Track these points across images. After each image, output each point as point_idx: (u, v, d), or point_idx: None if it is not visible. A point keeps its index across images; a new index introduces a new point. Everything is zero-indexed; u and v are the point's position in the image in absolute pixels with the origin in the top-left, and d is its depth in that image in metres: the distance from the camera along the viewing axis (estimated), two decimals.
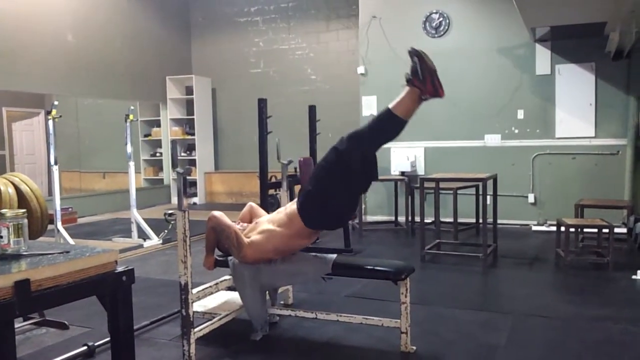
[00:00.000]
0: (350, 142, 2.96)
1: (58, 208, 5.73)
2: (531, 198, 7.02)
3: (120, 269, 1.82)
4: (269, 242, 3.15)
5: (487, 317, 3.62)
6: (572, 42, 6.73)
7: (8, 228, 1.78)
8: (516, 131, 7.07)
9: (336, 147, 2.98)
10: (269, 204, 5.56)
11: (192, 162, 10.02)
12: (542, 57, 6.91)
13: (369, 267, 3.15)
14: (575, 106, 6.79)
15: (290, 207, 3.19)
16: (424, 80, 2.88)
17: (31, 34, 7.78)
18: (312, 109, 6.11)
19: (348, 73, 9.11)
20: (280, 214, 3.25)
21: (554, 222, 5.43)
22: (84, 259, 1.73)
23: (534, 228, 6.80)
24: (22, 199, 3.37)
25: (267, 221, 3.27)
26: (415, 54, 2.90)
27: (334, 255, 3.22)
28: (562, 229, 4.95)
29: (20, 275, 1.56)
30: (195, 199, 9.86)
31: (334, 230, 3.15)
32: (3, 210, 1.82)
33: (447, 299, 4.05)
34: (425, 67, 2.88)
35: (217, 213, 3.21)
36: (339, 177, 3.00)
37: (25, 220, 1.83)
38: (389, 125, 2.97)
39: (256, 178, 5.83)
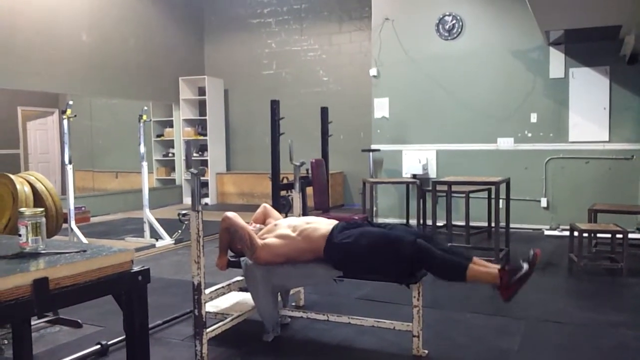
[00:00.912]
0: (418, 251, 2.90)
1: (72, 207, 5.77)
2: (544, 202, 6.98)
3: (136, 268, 1.82)
4: (283, 247, 3.15)
5: (500, 322, 3.61)
6: (586, 46, 6.68)
7: (26, 227, 1.80)
8: (529, 135, 7.03)
9: (410, 245, 2.91)
10: (281, 206, 5.57)
11: (204, 163, 10.06)
12: (556, 60, 6.87)
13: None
14: (589, 110, 6.74)
15: (320, 228, 3.15)
16: (512, 285, 2.84)
17: (46, 35, 7.85)
18: (324, 111, 6.12)
19: (360, 75, 9.12)
20: (304, 225, 3.22)
21: (567, 227, 5.39)
22: (101, 258, 1.74)
23: (547, 232, 6.76)
24: (37, 198, 3.41)
25: (287, 226, 3.26)
26: (531, 264, 2.86)
27: None
28: (575, 233, 4.92)
29: (38, 273, 1.57)
30: (206, 200, 9.90)
31: None
32: (22, 209, 1.84)
33: (459, 303, 4.03)
34: (525, 279, 2.84)
35: (231, 214, 3.22)
36: (379, 259, 2.96)
37: (44, 219, 1.84)
38: (454, 276, 2.97)
39: (268, 179, 5.85)
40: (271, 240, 3.18)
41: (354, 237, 3.04)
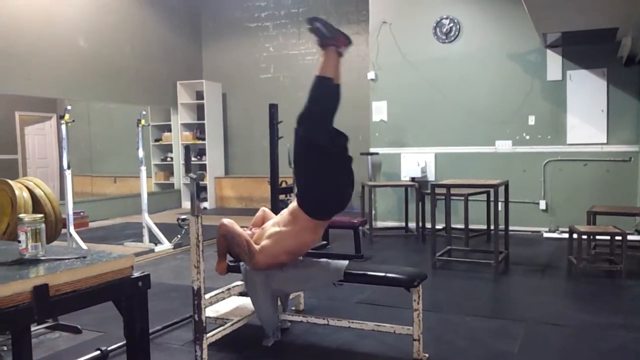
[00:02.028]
0: (302, 124, 3.10)
1: (71, 212, 5.76)
2: (542, 205, 6.99)
3: (136, 274, 1.82)
4: (278, 244, 3.15)
5: (500, 325, 3.61)
6: (583, 48, 6.70)
7: (26, 233, 1.80)
8: (527, 137, 7.05)
9: (296, 133, 3.13)
10: (280, 209, 5.56)
11: (203, 167, 10.07)
12: (553, 62, 6.89)
13: (381, 273, 3.14)
14: (587, 112, 6.76)
15: (292, 205, 3.23)
16: (334, 36, 3.12)
17: (43, 39, 7.85)
18: None
19: (358, 78, 9.11)
20: (283, 215, 3.28)
21: (566, 229, 5.40)
22: (101, 264, 1.74)
23: (546, 235, 6.76)
24: (36, 203, 3.40)
25: (272, 225, 3.29)
26: (314, 19, 3.14)
27: (346, 262, 3.22)
28: (575, 236, 4.92)
29: (38, 280, 1.57)
30: (205, 204, 9.89)
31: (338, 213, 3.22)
32: (21, 215, 1.83)
33: (459, 306, 4.03)
34: (328, 26, 3.12)
35: (227, 221, 3.22)
36: (315, 159, 3.12)
37: (43, 225, 1.84)
38: (325, 89, 3.15)
39: (266, 183, 5.85)
40: (265, 242, 3.18)
41: (297, 179, 3.30)
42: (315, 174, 3.15)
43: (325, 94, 3.14)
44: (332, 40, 3.13)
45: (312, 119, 3.11)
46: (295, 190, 3.34)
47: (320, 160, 3.11)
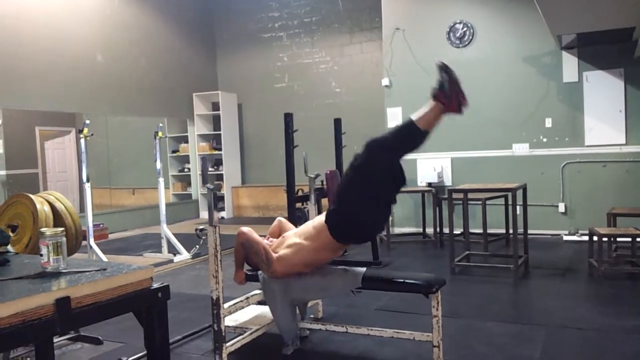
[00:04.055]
0: (371, 150, 2.97)
1: (90, 225, 5.84)
2: (561, 207, 6.92)
3: (155, 285, 1.84)
4: (296, 255, 3.15)
5: (520, 330, 3.57)
6: (599, 49, 6.65)
7: (48, 246, 1.83)
8: (544, 140, 6.99)
9: (356, 158, 3.00)
10: (297, 218, 5.57)
11: (220, 177, 10.14)
12: (569, 64, 6.83)
13: (399, 280, 3.12)
14: (605, 113, 6.69)
15: (318, 220, 3.19)
16: (450, 97, 2.90)
17: (62, 56, 7.99)
18: (337, 122, 6.14)
19: (372, 85, 9.14)
20: (307, 227, 3.25)
21: (586, 232, 5.34)
22: (121, 276, 1.77)
23: (565, 238, 6.69)
24: (57, 217, 3.46)
25: (294, 235, 3.28)
26: (444, 69, 2.91)
27: (364, 269, 3.21)
28: (595, 238, 4.87)
29: (60, 292, 1.60)
30: (223, 214, 9.95)
31: (361, 244, 3.16)
32: (43, 229, 1.87)
33: (478, 312, 4.00)
34: (453, 83, 2.89)
35: (246, 229, 3.23)
36: (363, 188, 3.00)
37: (64, 239, 1.87)
38: (411, 137, 3.01)
39: (283, 192, 5.87)
40: (284, 251, 3.18)
41: (334, 200, 3.19)
42: (356, 202, 3.04)
43: (410, 141, 3.04)
44: (446, 100, 2.92)
45: (383, 152, 2.99)
46: (327, 207, 3.26)
47: (368, 190, 3.01)
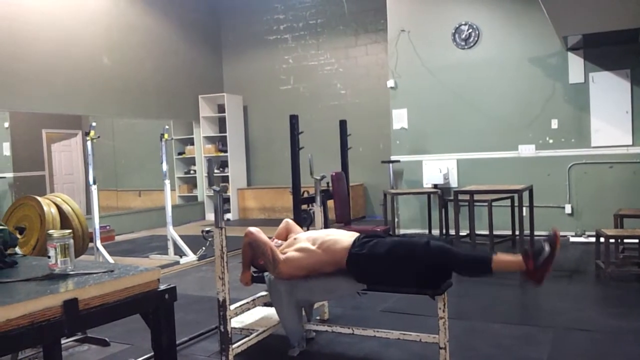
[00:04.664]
0: (440, 253, 2.94)
1: (97, 227, 5.85)
2: (568, 209, 6.90)
3: (163, 287, 1.85)
4: (304, 260, 3.14)
5: (527, 331, 3.56)
6: (605, 49, 6.62)
7: (55, 248, 1.83)
8: (550, 141, 6.97)
9: (423, 246, 2.95)
10: (303, 219, 5.58)
11: (225, 179, 10.15)
12: (575, 65, 6.82)
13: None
14: (611, 114, 6.67)
15: (341, 240, 3.15)
16: (539, 268, 2.80)
17: (68, 58, 8.03)
18: (342, 124, 6.15)
19: (378, 87, 9.14)
20: (324, 236, 3.23)
21: (593, 233, 5.32)
22: (128, 277, 1.77)
23: (572, 239, 6.67)
24: (64, 219, 3.47)
25: (306, 239, 3.26)
26: (552, 244, 2.82)
27: None
28: (602, 239, 4.85)
29: (68, 294, 1.60)
30: (228, 215, 9.96)
31: None
32: (50, 231, 1.88)
33: (485, 313, 4.00)
34: (550, 260, 2.80)
35: (254, 229, 3.23)
36: (406, 265, 2.97)
37: (71, 241, 1.88)
38: (478, 270, 3.02)
39: (289, 193, 5.88)
40: (292, 254, 3.18)
41: (372, 247, 3.05)
42: (386, 265, 3.01)
43: (474, 271, 3.06)
44: (532, 268, 2.81)
45: (448, 260, 2.96)
46: (355, 243, 3.14)
47: (405, 267, 2.98)
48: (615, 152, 6.68)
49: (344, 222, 5.77)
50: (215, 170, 10.24)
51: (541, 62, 7.00)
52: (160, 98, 9.59)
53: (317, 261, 3.13)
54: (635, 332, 3.48)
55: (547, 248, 2.82)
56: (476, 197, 5.86)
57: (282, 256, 3.18)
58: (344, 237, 3.17)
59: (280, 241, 3.44)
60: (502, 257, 2.91)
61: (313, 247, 3.15)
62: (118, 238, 8.27)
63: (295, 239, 3.33)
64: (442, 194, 6.73)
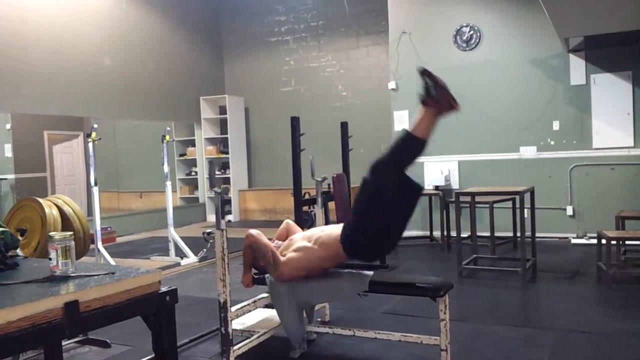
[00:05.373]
0: (376, 172, 2.95)
1: (98, 228, 5.86)
2: (569, 210, 6.89)
3: (163, 289, 1.85)
4: (303, 259, 3.15)
5: (528, 334, 3.56)
6: (607, 51, 6.62)
7: (56, 250, 1.83)
8: (552, 143, 6.96)
9: (364, 182, 2.99)
10: (304, 221, 5.57)
11: (227, 180, 10.16)
12: (577, 67, 6.81)
13: (407, 283, 3.12)
14: (613, 116, 6.66)
15: (333, 232, 3.16)
16: (439, 99, 2.91)
17: (69, 59, 8.04)
18: (344, 126, 6.13)
19: (379, 88, 9.14)
20: (318, 232, 3.24)
21: (594, 235, 5.31)
22: (129, 279, 1.77)
23: (574, 241, 6.66)
24: (65, 221, 3.48)
25: (301, 238, 3.28)
26: (427, 74, 2.92)
27: (371, 272, 3.21)
28: (603, 241, 4.84)
29: (69, 296, 1.60)
30: (229, 217, 9.95)
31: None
32: (52, 233, 1.88)
33: (486, 315, 3.99)
34: (440, 87, 2.90)
35: (254, 231, 3.23)
36: (378, 210, 2.97)
37: (73, 243, 1.88)
38: (410, 147, 3.00)
39: (290, 195, 5.87)
40: (291, 254, 3.18)
41: (348, 225, 3.09)
42: (375, 224, 3.03)
43: (410, 152, 3.03)
44: (436, 104, 2.92)
45: (387, 170, 2.99)
46: (343, 222, 3.19)
47: (385, 212, 2.98)
48: (616, 153, 6.67)
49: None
50: (217, 172, 10.24)
51: (542, 64, 6.99)
52: (162, 99, 9.60)
53: (315, 257, 3.13)
54: (636, 334, 3.47)
55: (429, 83, 2.93)
56: (477, 198, 5.85)
57: (282, 258, 3.18)
58: (336, 230, 3.18)
59: (280, 242, 3.44)
60: (415, 121, 2.97)
61: (309, 244, 3.16)
62: (119, 239, 8.28)
63: (291, 239, 3.33)
64: (444, 196, 6.72)
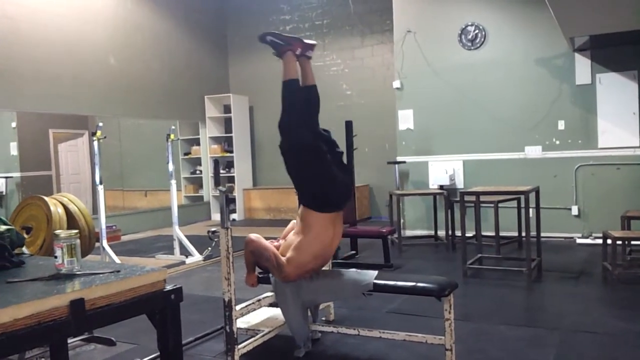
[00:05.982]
0: (284, 132, 3.25)
1: (104, 227, 5.87)
2: (575, 210, 6.87)
3: (169, 287, 1.85)
4: (303, 252, 3.16)
5: (534, 334, 3.55)
6: (612, 51, 6.59)
7: (62, 248, 1.84)
8: (557, 142, 6.94)
9: (281, 146, 3.27)
10: None
11: (231, 179, 10.17)
12: (582, 66, 6.79)
13: (411, 283, 3.12)
14: (618, 115, 6.63)
15: (299, 210, 3.26)
16: (288, 42, 3.28)
17: (75, 58, 8.06)
18: (348, 125, 6.13)
19: (383, 87, 9.14)
20: (297, 225, 3.30)
21: (600, 235, 5.30)
22: (134, 278, 1.77)
23: (579, 241, 6.64)
24: (71, 219, 3.49)
25: (293, 235, 3.32)
26: (264, 35, 3.33)
27: (375, 272, 3.21)
28: (609, 241, 4.82)
29: (75, 294, 1.61)
30: (234, 215, 9.97)
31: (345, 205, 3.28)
32: (57, 231, 1.88)
33: (491, 315, 3.98)
34: (277, 36, 3.28)
35: (254, 236, 3.24)
36: (304, 161, 3.18)
37: (78, 241, 1.88)
38: (294, 93, 3.30)
39: (294, 194, 5.87)
40: (290, 254, 3.19)
41: (295, 184, 3.32)
42: (307, 174, 3.20)
43: (296, 97, 3.27)
44: (287, 47, 3.29)
45: (292, 126, 3.22)
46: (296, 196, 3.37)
47: (309, 159, 3.17)
48: (622, 153, 6.64)
49: (349, 222, 5.77)
50: (221, 171, 10.26)
51: (548, 63, 6.97)
52: (167, 98, 9.62)
53: (311, 242, 3.15)
54: None
55: (267, 40, 3.38)
56: (482, 198, 5.84)
57: (284, 259, 3.18)
58: (300, 209, 3.29)
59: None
60: (284, 71, 3.35)
61: (299, 237, 3.19)
62: (124, 238, 8.30)
63: (286, 240, 3.34)
64: (448, 195, 6.71)
